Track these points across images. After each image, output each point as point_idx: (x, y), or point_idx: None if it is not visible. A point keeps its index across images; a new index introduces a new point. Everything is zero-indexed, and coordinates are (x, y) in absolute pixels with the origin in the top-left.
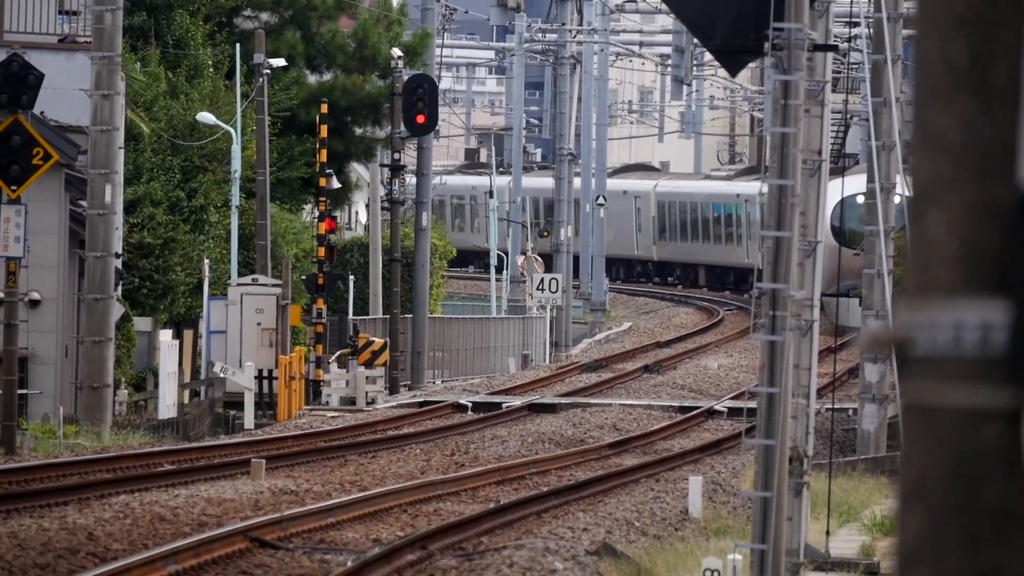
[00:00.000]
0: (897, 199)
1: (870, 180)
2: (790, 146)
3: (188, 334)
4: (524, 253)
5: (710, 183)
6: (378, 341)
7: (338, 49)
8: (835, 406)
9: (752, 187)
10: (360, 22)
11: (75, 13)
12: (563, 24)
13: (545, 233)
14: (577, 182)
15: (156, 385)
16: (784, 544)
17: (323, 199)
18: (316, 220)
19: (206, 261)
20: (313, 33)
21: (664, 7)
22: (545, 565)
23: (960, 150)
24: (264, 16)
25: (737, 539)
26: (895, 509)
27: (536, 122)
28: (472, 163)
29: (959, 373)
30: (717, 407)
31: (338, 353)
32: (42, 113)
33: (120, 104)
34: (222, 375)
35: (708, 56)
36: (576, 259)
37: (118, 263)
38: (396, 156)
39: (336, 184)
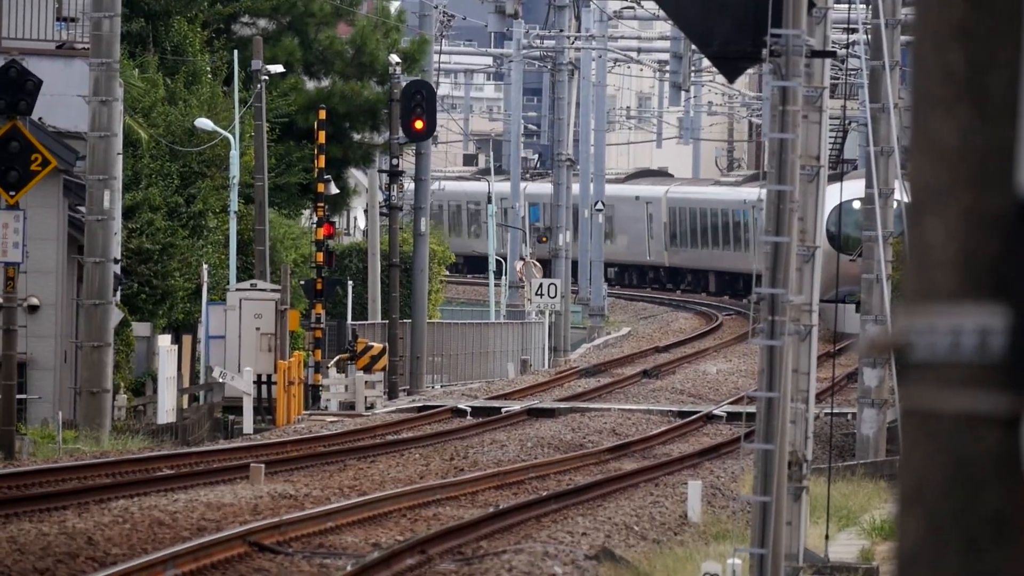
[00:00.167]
0: (895, 205)
1: (868, 186)
2: (788, 152)
3: (187, 339)
4: (523, 258)
5: (719, 189)
6: (377, 346)
7: (336, 55)
8: (834, 411)
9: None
10: (358, 28)
11: (73, 20)
12: (561, 30)
13: (544, 239)
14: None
15: (155, 390)
16: (783, 548)
17: (321, 205)
18: (315, 225)
19: (205, 266)
20: (311, 39)
21: (662, 14)
22: (544, 569)
23: (958, 157)
24: (262, 22)
25: (736, 543)
26: (894, 514)
27: (534, 128)
28: (482, 169)
29: (957, 378)
30: (716, 412)
31: (337, 358)
32: (40, 119)
33: (118, 110)
34: (221, 380)
35: (706, 62)
36: (575, 264)
37: (117, 268)
38: (394, 162)
39: (334, 190)
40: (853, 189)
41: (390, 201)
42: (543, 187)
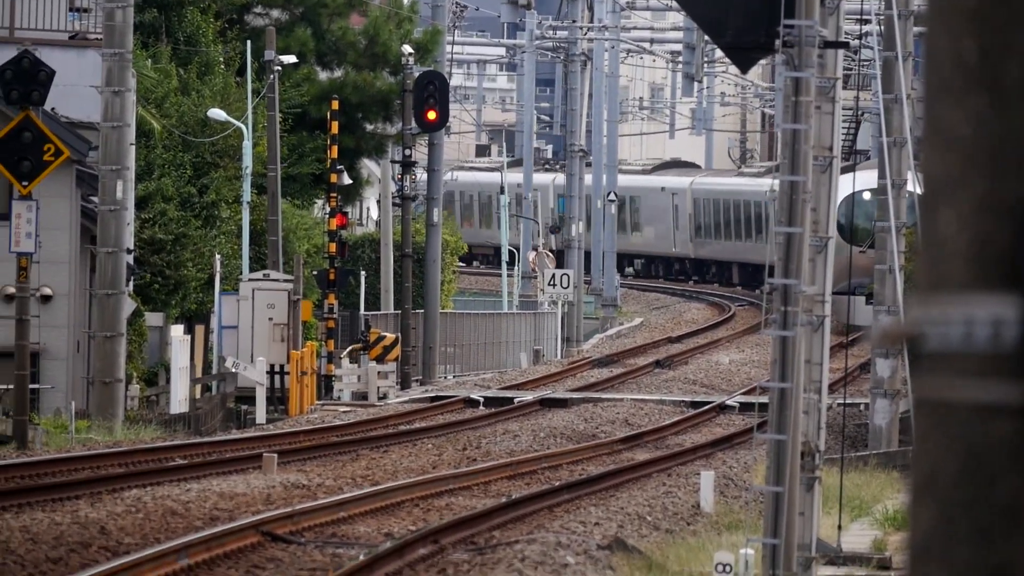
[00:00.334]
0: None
1: (881, 176)
2: (801, 142)
3: (200, 329)
4: (535, 249)
5: (743, 180)
6: (390, 336)
7: (349, 46)
8: (847, 401)
9: None
10: (371, 19)
11: (86, 10)
12: (574, 21)
13: (556, 229)
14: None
15: (168, 380)
16: (796, 539)
17: (334, 195)
18: (327, 216)
19: (217, 257)
20: (324, 30)
21: (675, 4)
22: (557, 559)
23: (971, 147)
24: (275, 13)
25: (749, 534)
26: (906, 504)
27: (547, 119)
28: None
29: (970, 368)
30: (729, 402)
31: (350, 348)
32: (53, 109)
33: (131, 100)
34: (234, 370)
35: (719, 53)
36: (588, 255)
37: (130, 259)
38: (407, 152)
39: (347, 180)
40: (863, 180)
41: (403, 191)
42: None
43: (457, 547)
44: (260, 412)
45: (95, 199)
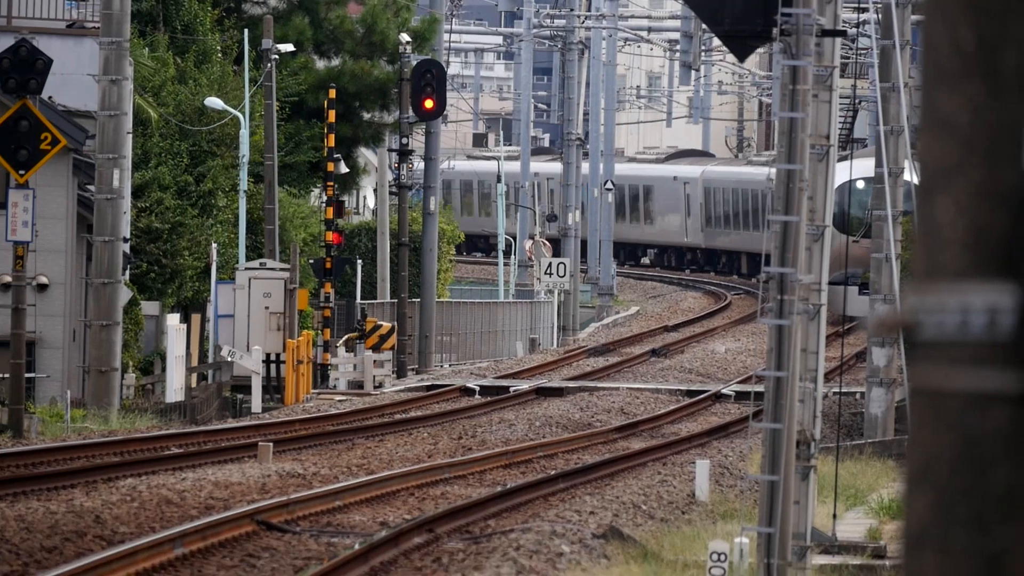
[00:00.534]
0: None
1: (878, 165)
2: (798, 131)
3: (196, 318)
4: (532, 237)
5: (752, 169)
6: (386, 325)
7: (346, 35)
8: (842, 390)
9: None
10: (368, 8)
11: None
12: (571, 9)
13: (554, 218)
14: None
15: (164, 369)
16: (791, 527)
17: (331, 184)
18: (324, 205)
19: (214, 245)
20: (321, 19)
21: None
22: (552, 548)
23: (968, 134)
24: (272, 2)
25: (744, 522)
26: (902, 492)
27: (544, 107)
28: (540, 148)
29: (966, 357)
30: (724, 391)
31: (346, 337)
32: (50, 98)
33: (128, 89)
34: (230, 359)
35: (716, 41)
36: (584, 244)
37: (126, 247)
38: (404, 141)
39: (344, 169)
40: (858, 168)
41: (399, 180)
42: (554, 166)
43: (452, 536)
44: (256, 401)
45: (92, 188)
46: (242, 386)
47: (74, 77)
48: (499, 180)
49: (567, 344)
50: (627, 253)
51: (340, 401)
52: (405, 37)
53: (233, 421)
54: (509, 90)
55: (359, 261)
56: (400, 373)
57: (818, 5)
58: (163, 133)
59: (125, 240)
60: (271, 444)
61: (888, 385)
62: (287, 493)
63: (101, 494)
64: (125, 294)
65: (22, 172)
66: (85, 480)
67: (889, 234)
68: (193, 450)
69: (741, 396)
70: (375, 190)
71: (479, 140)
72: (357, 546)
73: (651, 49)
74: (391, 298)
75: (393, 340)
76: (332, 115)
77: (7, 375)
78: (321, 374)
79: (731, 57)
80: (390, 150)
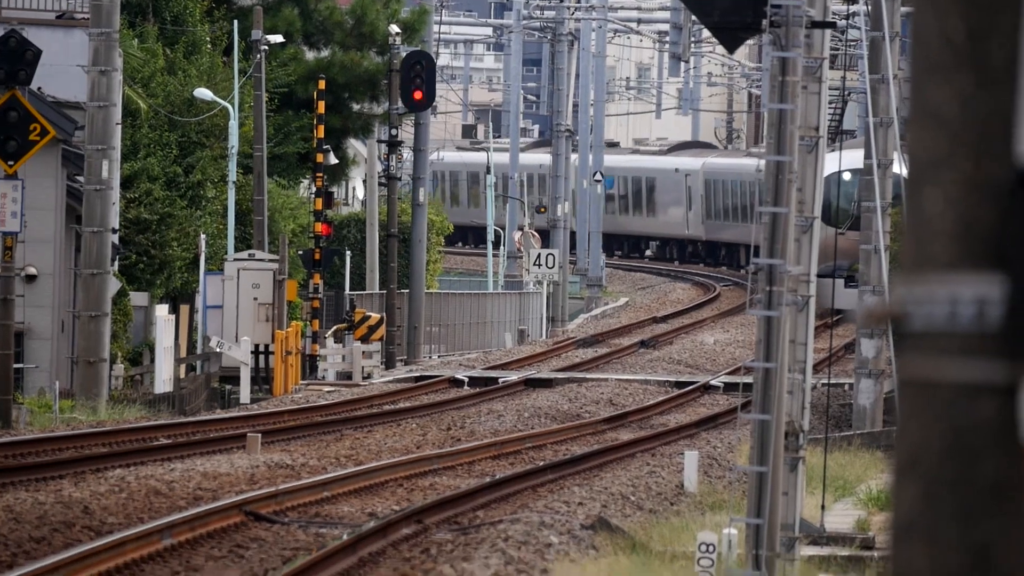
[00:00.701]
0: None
1: (867, 156)
2: (787, 123)
3: (184, 309)
4: (521, 229)
5: (752, 161)
6: (374, 316)
7: (336, 26)
8: (831, 381)
9: None
10: None
11: None
12: (561, 1)
13: (542, 209)
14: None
15: (152, 360)
16: (779, 519)
17: (320, 175)
18: (313, 196)
19: (203, 236)
20: (311, 10)
21: None
22: (540, 539)
23: (957, 126)
24: None
25: (733, 513)
26: (890, 483)
27: (534, 99)
28: (539, 141)
29: (955, 348)
30: (713, 382)
31: (335, 328)
32: (39, 89)
33: (117, 80)
34: (218, 350)
35: (706, 33)
36: (573, 235)
37: (115, 238)
38: (393, 132)
39: (333, 160)
40: (848, 159)
41: (389, 171)
42: (542, 157)
43: (441, 527)
44: (244, 392)
45: (81, 179)
46: (230, 377)
47: (63, 68)
48: (488, 172)
49: (556, 335)
50: (631, 245)
51: (329, 392)
52: (395, 28)
53: (222, 412)
54: (499, 81)
55: (348, 252)
56: (389, 364)
57: None
58: (152, 124)
59: (114, 231)
60: (259, 435)
61: (877, 376)
62: (276, 484)
63: (89, 485)
64: (114, 285)
65: (11, 163)
66: (73, 471)
67: (878, 225)
68: (182, 441)
69: (730, 387)
70: (364, 181)
71: (468, 131)
72: (345, 537)
73: (640, 40)
74: (380, 289)
75: (382, 331)
76: (321, 106)
77: None
78: (310, 365)
79: (721, 49)
80: (379, 141)
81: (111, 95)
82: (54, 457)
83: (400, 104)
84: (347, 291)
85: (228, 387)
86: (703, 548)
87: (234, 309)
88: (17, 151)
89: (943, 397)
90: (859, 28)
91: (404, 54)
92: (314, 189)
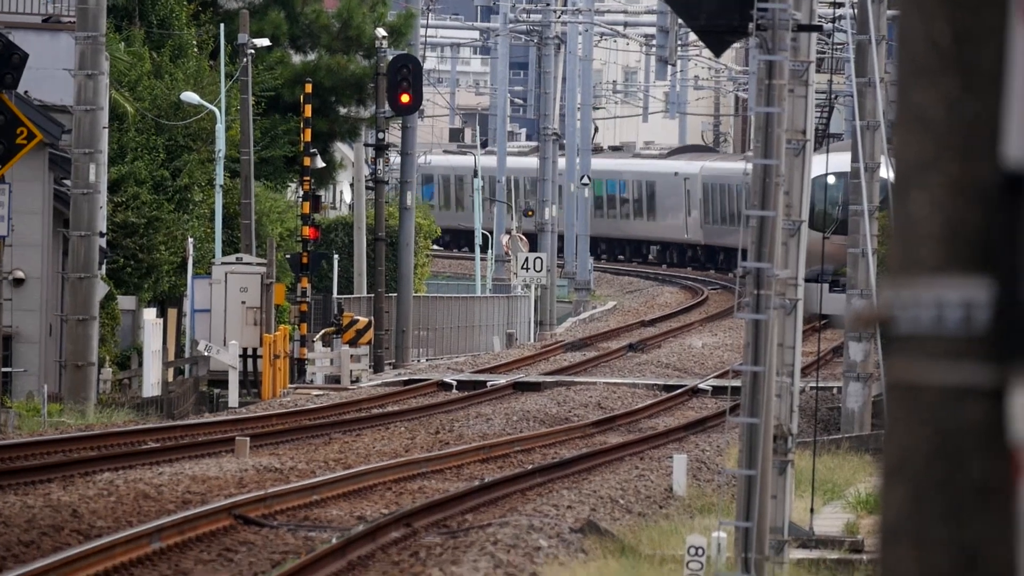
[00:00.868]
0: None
1: (854, 160)
2: (775, 126)
3: (172, 313)
4: (509, 232)
5: (749, 164)
6: (362, 320)
7: (322, 29)
8: (819, 385)
9: None
10: (344, 2)
11: None
12: (548, 4)
13: (530, 212)
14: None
15: (140, 363)
16: (768, 522)
17: (307, 178)
18: (300, 199)
19: (190, 240)
20: (297, 13)
21: None
22: (529, 542)
23: (943, 129)
24: None
25: (721, 517)
26: (879, 486)
27: (520, 102)
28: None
29: (942, 351)
30: (701, 385)
31: (323, 332)
32: (26, 93)
33: (104, 84)
34: (206, 353)
35: (693, 36)
36: (561, 238)
37: (102, 242)
38: (380, 136)
39: (320, 163)
40: (834, 162)
41: (376, 175)
42: (529, 160)
43: (430, 530)
44: (233, 396)
45: (68, 182)
46: (219, 381)
47: (50, 72)
48: (476, 175)
49: (544, 339)
50: (632, 250)
51: (317, 396)
52: (381, 32)
53: (210, 416)
54: (485, 85)
55: (336, 256)
56: (377, 368)
57: (794, 0)
58: (139, 128)
59: (101, 235)
60: (248, 439)
61: (865, 380)
62: (264, 487)
63: (78, 488)
64: (102, 289)
65: None
66: (62, 474)
67: (865, 229)
68: (170, 445)
69: (718, 391)
70: (352, 185)
71: (456, 135)
72: (335, 540)
73: (627, 44)
74: (368, 293)
75: (370, 335)
76: (308, 110)
77: None
78: (298, 369)
79: (707, 52)
80: (366, 145)
81: (98, 99)
82: (42, 461)
83: (387, 108)
84: (335, 295)
85: (216, 391)
86: (692, 551)
87: (222, 313)
88: (4, 155)
89: (930, 400)
90: (845, 31)
91: (391, 58)
92: (301, 193)
